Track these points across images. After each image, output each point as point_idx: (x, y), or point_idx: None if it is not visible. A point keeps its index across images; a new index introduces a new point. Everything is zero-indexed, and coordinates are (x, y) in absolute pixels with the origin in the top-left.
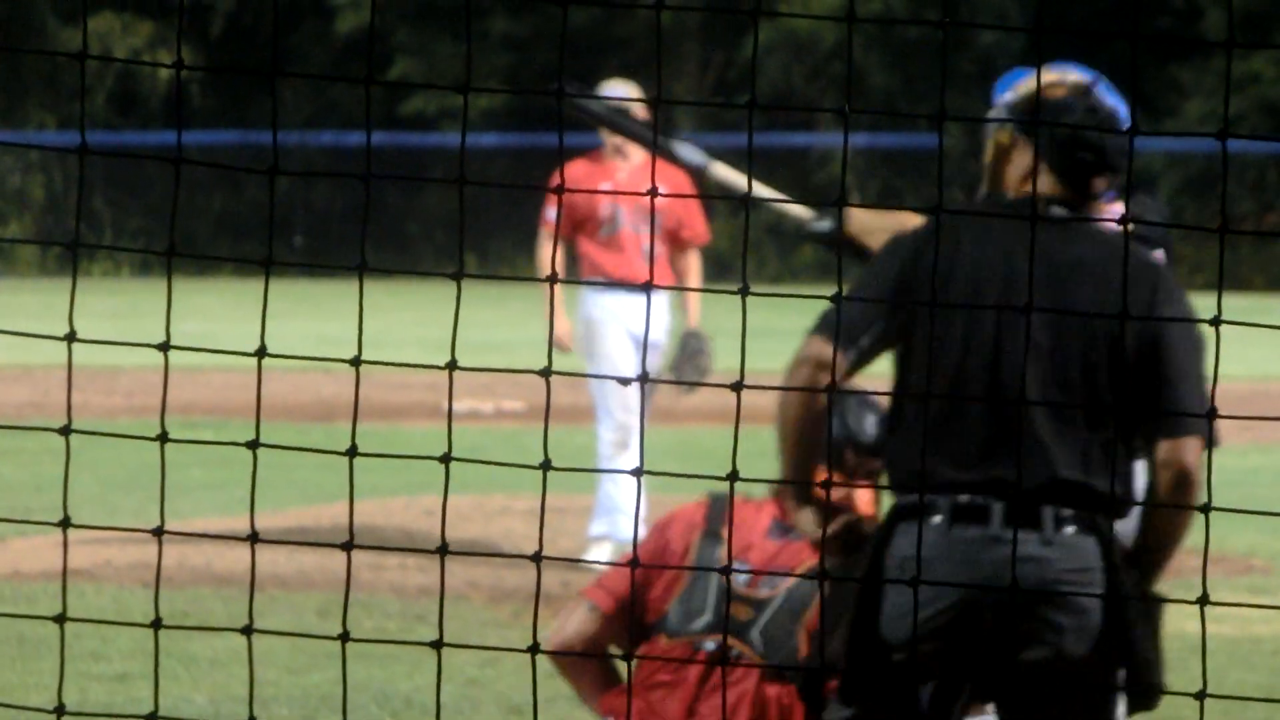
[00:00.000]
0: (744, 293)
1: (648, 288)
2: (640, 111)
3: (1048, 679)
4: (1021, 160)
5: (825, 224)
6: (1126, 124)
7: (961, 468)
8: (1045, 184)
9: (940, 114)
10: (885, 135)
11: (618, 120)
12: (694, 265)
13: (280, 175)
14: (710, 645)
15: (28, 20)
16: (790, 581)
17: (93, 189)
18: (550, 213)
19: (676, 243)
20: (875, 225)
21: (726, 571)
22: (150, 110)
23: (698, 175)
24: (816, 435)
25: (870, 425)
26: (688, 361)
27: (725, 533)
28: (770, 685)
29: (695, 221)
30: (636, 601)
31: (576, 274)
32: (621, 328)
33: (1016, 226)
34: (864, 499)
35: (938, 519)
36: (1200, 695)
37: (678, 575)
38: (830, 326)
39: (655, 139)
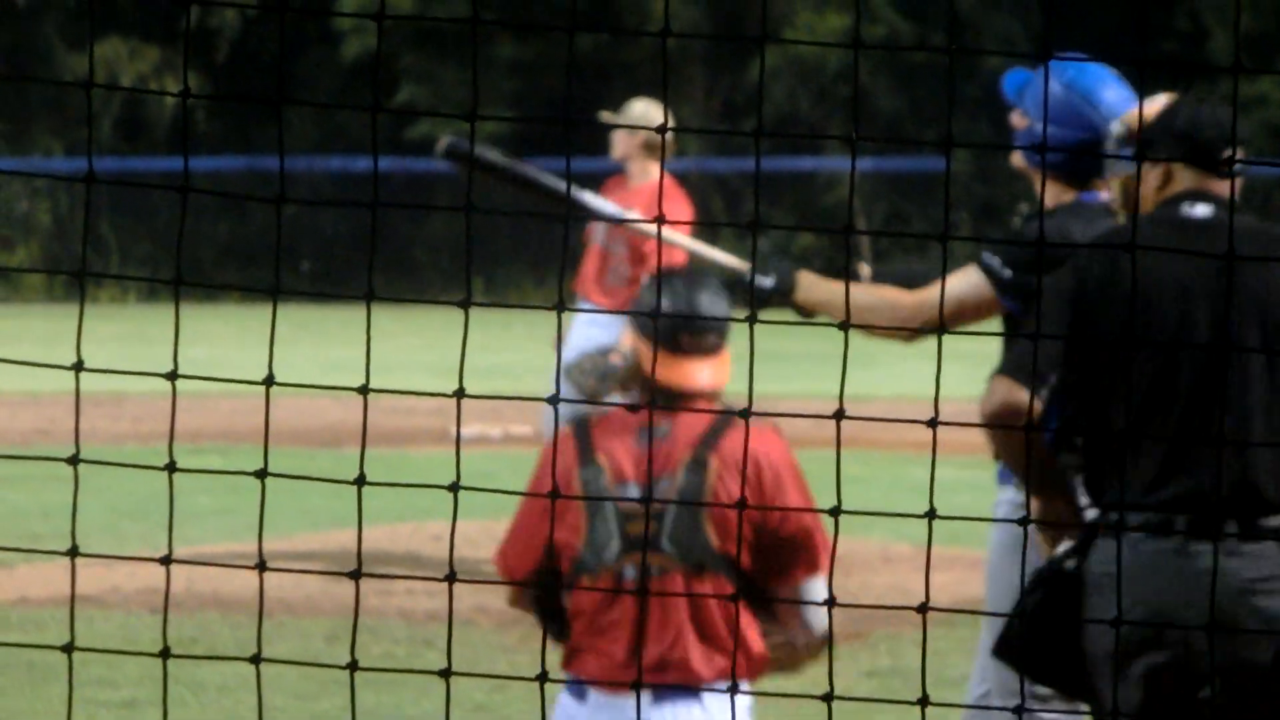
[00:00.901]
0: (752, 321)
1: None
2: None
3: (1239, 685)
4: (1151, 176)
5: (767, 281)
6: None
7: (1155, 483)
8: (1184, 180)
9: (948, 139)
10: (892, 159)
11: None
12: None
13: (288, 203)
14: (630, 570)
15: (34, 46)
16: (677, 482)
17: (99, 215)
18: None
19: (645, 266)
20: (826, 299)
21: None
22: (156, 136)
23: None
24: (1050, 470)
25: (704, 303)
26: (586, 359)
27: (601, 458)
28: (699, 583)
29: (665, 248)
30: (548, 555)
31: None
32: (567, 340)
33: (1173, 234)
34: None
35: (1132, 535)
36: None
37: (577, 516)
38: (1017, 368)
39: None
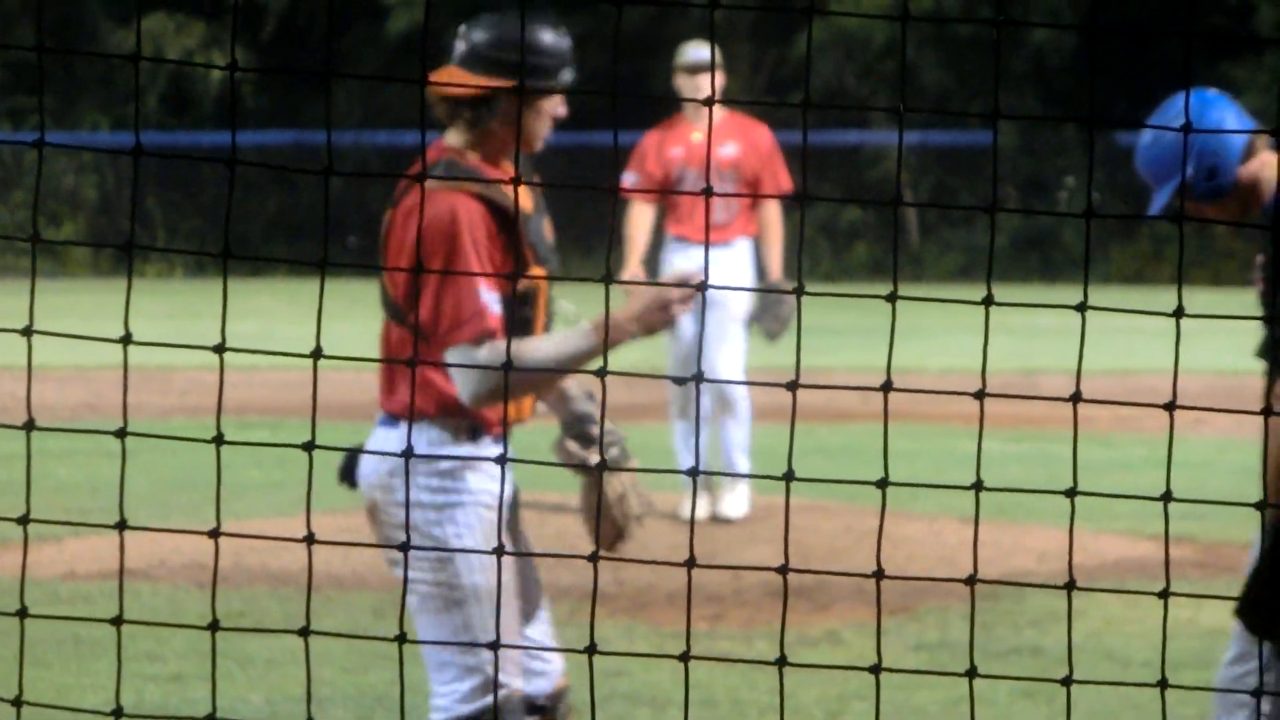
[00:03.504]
0: (799, 293)
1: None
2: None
3: None
4: None
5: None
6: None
7: None
8: None
9: (995, 112)
10: (938, 133)
11: None
12: (774, 217)
13: (334, 176)
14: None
15: (80, 22)
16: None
17: (146, 189)
18: (627, 179)
19: (755, 188)
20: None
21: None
22: (203, 111)
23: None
24: None
25: (548, 38)
26: (766, 312)
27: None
28: (393, 329)
29: (775, 173)
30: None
31: (663, 237)
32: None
33: None
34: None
35: None
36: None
37: None
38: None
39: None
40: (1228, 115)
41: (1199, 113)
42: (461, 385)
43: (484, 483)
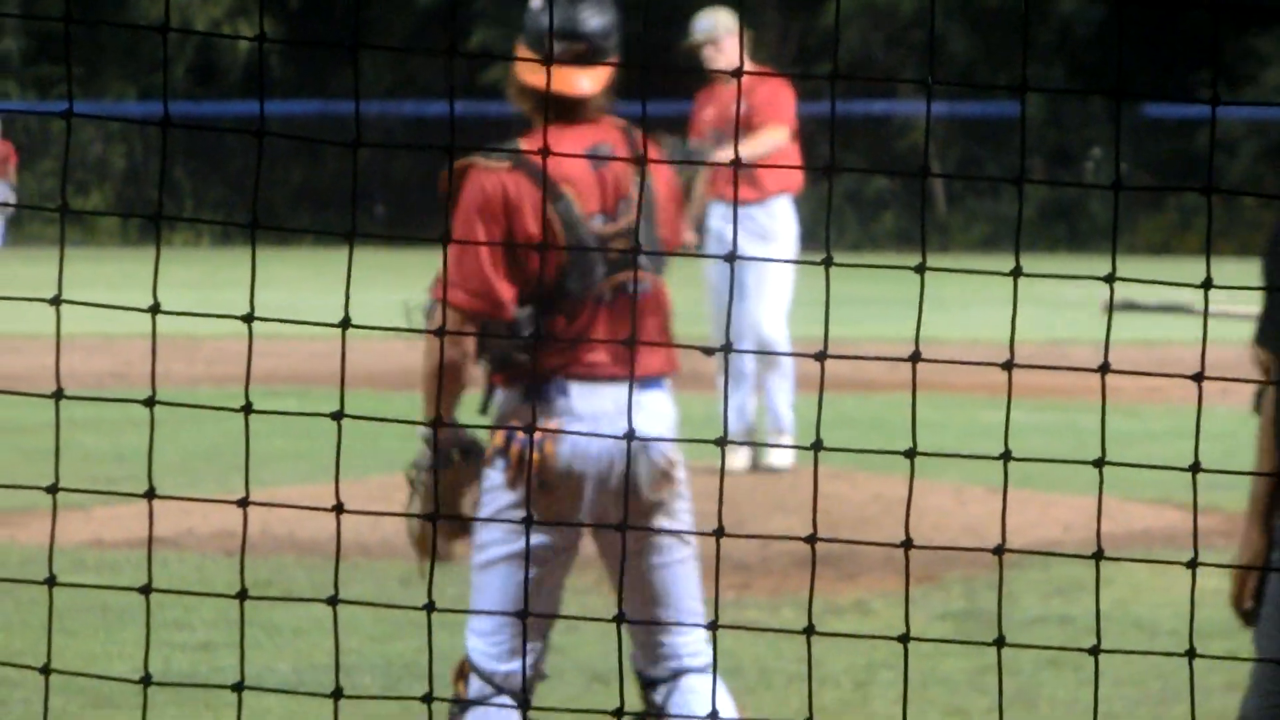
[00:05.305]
0: (828, 263)
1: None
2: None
3: None
4: None
5: None
6: None
7: None
8: None
9: (1022, 85)
10: (965, 104)
11: None
12: (764, 138)
13: (362, 147)
14: (606, 293)
15: None
16: (632, 198)
17: (174, 159)
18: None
19: (749, 130)
20: None
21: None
22: (230, 81)
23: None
24: None
25: (584, 14)
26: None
27: (566, 190)
28: (662, 284)
29: (769, 109)
30: (526, 279)
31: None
32: (708, 237)
33: None
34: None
35: None
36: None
37: (557, 250)
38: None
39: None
40: None
41: None
42: None
43: None
